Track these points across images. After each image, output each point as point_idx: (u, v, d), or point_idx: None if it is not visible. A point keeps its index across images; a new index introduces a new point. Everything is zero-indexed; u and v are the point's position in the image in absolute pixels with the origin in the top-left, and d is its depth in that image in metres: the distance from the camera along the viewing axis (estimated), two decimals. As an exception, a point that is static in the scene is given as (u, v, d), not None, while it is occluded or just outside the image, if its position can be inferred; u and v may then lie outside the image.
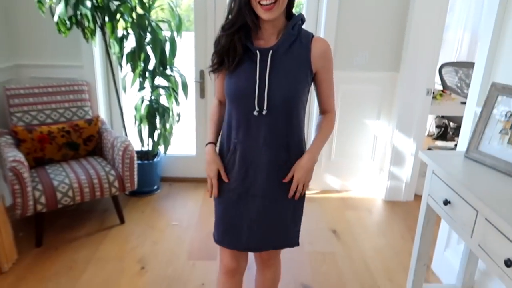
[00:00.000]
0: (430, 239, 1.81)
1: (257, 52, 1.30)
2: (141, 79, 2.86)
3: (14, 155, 2.24)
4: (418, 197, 3.18)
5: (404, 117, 3.01)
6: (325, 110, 1.46)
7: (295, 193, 1.41)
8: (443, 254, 2.27)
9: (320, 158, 3.20)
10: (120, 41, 2.70)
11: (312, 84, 1.41)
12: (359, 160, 3.28)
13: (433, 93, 3.10)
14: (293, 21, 1.32)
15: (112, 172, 2.56)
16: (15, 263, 2.25)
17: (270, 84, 1.30)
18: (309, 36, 1.35)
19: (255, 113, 1.32)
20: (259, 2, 1.22)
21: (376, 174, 3.31)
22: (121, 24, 2.68)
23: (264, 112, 1.32)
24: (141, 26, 2.65)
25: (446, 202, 1.51)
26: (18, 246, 2.32)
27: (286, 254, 2.32)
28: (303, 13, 3.06)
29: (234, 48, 1.31)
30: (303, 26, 1.38)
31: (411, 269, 1.87)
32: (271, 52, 1.30)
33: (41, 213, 2.35)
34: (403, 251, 2.51)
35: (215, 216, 1.52)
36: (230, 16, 1.30)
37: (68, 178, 2.42)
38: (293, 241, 1.52)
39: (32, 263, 2.27)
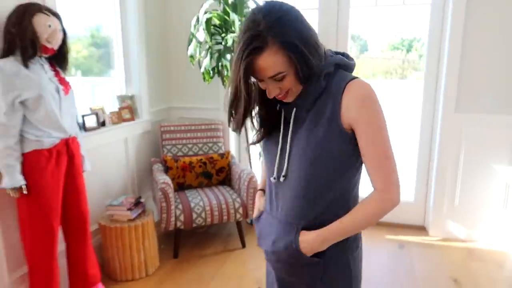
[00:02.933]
0: None
1: (282, 109, 1.10)
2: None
3: (164, 179, 2.73)
4: None
5: (542, 163, 2.74)
6: (373, 186, 1.04)
7: None
8: None
9: (442, 204, 3.09)
10: (252, 86, 3.11)
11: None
12: (488, 208, 3.03)
13: None
14: (319, 70, 1.00)
15: (238, 199, 2.89)
16: (157, 269, 2.69)
17: (291, 146, 1.07)
18: (343, 83, 1.00)
19: (272, 179, 1.11)
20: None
21: (509, 225, 3.01)
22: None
23: (281, 180, 1.08)
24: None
25: None
26: (160, 256, 2.78)
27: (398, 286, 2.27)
28: (426, 43, 3.06)
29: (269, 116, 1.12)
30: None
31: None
32: (294, 109, 1.07)
33: (179, 229, 2.78)
34: (540, 312, 2.23)
35: None
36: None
37: (202, 201, 2.82)
38: None
39: (170, 271, 2.68)
